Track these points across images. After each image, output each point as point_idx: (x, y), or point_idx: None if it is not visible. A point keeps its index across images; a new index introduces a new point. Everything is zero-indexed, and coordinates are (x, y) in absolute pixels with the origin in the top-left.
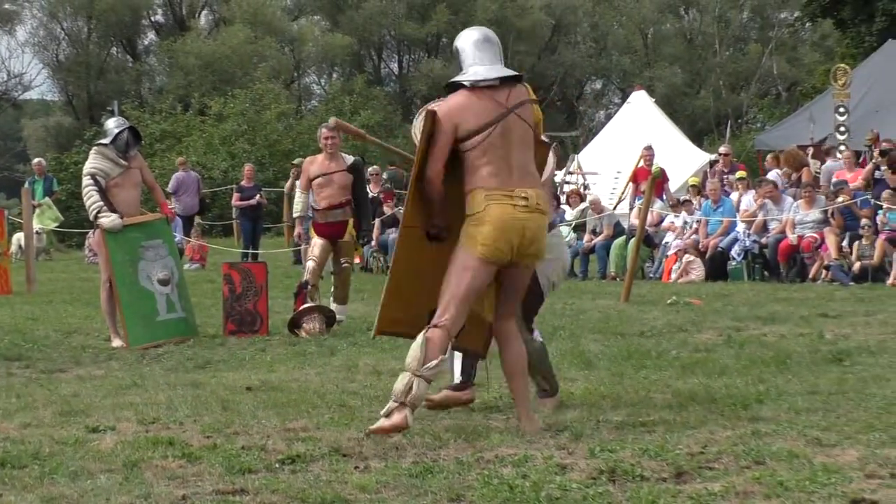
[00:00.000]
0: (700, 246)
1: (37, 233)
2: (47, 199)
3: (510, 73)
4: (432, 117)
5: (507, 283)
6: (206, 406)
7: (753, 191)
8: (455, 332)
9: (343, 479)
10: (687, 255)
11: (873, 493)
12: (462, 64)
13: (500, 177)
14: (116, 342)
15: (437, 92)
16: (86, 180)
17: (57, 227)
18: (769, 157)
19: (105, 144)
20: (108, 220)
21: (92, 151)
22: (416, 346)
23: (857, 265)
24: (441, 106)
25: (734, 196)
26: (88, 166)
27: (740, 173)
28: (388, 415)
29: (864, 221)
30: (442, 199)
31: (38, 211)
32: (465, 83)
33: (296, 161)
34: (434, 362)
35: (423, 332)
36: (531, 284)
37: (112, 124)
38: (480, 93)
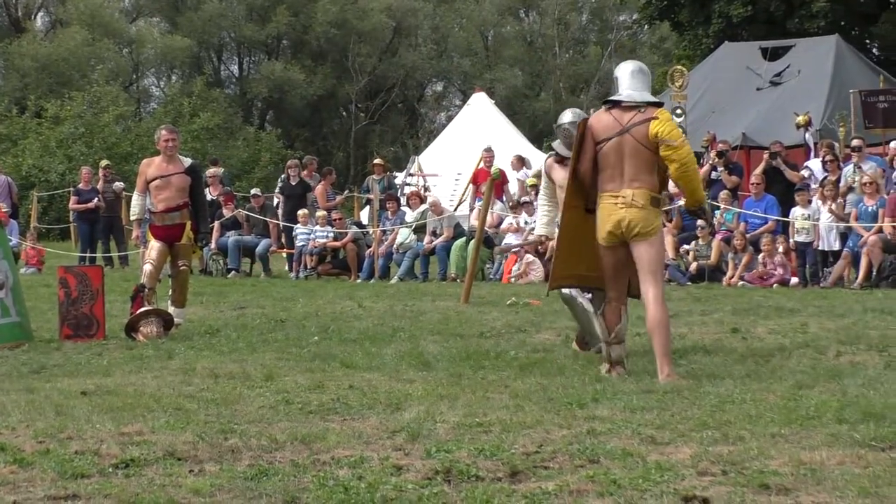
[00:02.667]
0: (540, 248)
1: None
2: None
3: (649, 98)
4: (583, 124)
5: (635, 258)
6: (40, 411)
7: None
8: (618, 300)
9: (177, 482)
10: (528, 256)
11: (705, 490)
12: (618, 88)
13: (613, 181)
14: None
15: (278, 94)
16: None
17: None
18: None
19: None
20: None
21: None
22: (598, 323)
23: (693, 265)
24: (591, 118)
25: None
26: None
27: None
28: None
29: (700, 222)
30: (592, 187)
31: None
32: (605, 103)
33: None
34: (617, 328)
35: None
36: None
37: None
38: (611, 112)
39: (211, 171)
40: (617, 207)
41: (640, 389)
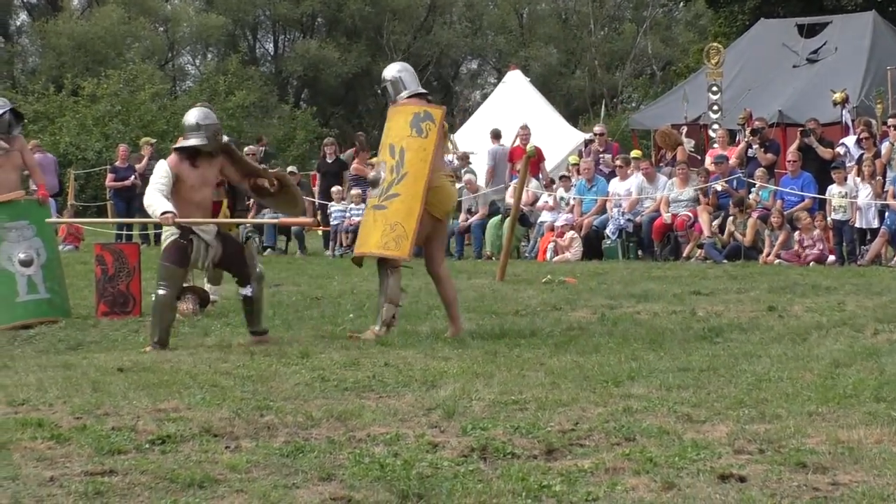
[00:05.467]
0: (574, 224)
1: None
2: None
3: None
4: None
5: (439, 233)
6: (77, 387)
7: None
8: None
9: (213, 459)
10: (571, 232)
11: (741, 469)
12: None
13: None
14: None
15: (312, 72)
16: None
17: None
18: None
19: None
20: None
21: None
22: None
23: (729, 243)
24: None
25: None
26: None
27: (636, 153)
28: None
29: (735, 199)
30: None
31: None
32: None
33: (143, 141)
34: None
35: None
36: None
37: None
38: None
39: (248, 148)
40: (453, 188)
41: (676, 367)
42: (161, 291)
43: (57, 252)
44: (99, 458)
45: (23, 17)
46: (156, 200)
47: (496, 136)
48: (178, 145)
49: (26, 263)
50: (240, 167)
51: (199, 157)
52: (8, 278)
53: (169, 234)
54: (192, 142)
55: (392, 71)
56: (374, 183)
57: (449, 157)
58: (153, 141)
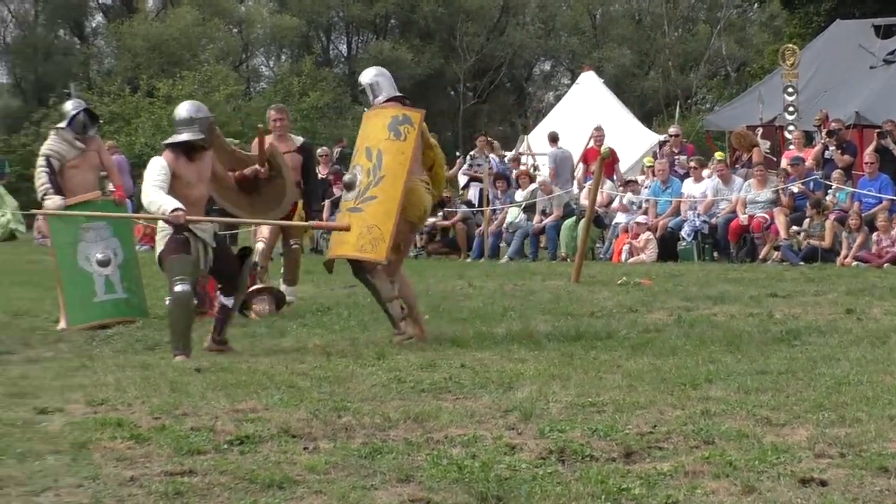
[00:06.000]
0: (649, 225)
1: None
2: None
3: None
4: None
5: (408, 239)
6: (155, 387)
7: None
8: None
9: (292, 459)
10: (647, 233)
11: (822, 473)
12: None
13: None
14: (62, 324)
15: None
16: (39, 161)
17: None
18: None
19: (62, 127)
20: (51, 202)
21: (50, 133)
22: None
23: (806, 245)
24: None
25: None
26: (44, 148)
27: (720, 154)
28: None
29: (812, 201)
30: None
31: None
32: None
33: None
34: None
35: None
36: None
37: (69, 106)
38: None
39: (322, 149)
40: (428, 194)
41: (754, 370)
42: (179, 287)
43: (134, 252)
44: (178, 458)
45: (98, 18)
46: (161, 198)
47: (554, 139)
48: (171, 140)
49: (104, 263)
50: (224, 156)
51: (194, 152)
52: (86, 278)
53: (163, 235)
54: (187, 136)
55: (369, 76)
56: (350, 186)
57: (494, 157)
58: (236, 142)
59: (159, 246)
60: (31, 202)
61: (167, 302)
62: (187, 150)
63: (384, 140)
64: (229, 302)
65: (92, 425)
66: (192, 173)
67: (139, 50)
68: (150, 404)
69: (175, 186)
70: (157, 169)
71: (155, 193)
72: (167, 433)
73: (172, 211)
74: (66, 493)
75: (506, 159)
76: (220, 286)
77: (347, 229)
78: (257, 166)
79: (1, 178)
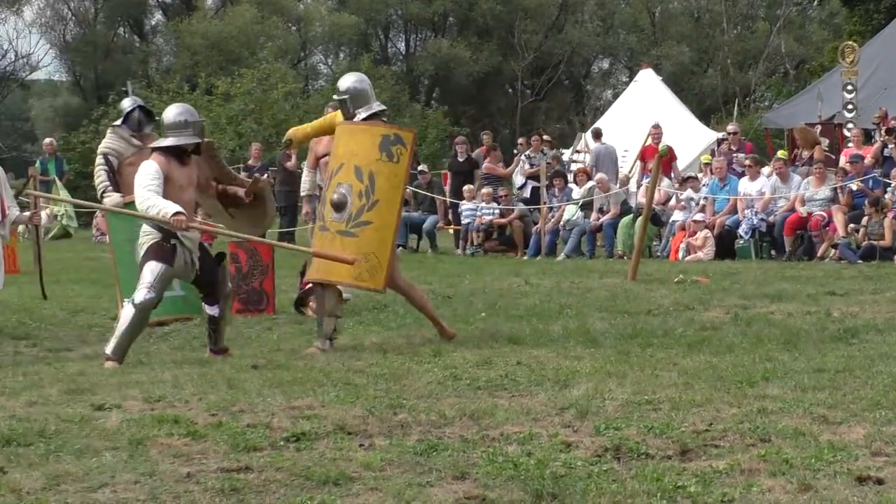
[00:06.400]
0: (707, 223)
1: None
2: (58, 181)
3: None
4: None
5: None
6: (212, 384)
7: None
8: None
9: (348, 456)
10: (704, 231)
11: (879, 471)
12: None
13: None
14: None
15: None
16: (98, 159)
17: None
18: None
19: (118, 125)
20: (110, 199)
21: (108, 131)
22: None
23: (864, 243)
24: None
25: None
26: (102, 146)
27: (782, 153)
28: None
29: (871, 199)
30: None
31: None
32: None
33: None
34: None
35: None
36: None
37: (125, 104)
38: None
39: None
40: None
41: (811, 368)
42: (148, 295)
43: None
44: (234, 454)
45: (158, 16)
46: (160, 201)
47: (598, 135)
48: (164, 144)
49: None
50: (215, 169)
51: (185, 156)
52: None
53: (149, 238)
54: (184, 140)
55: (349, 81)
56: (340, 206)
57: (581, 156)
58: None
59: (141, 249)
60: (91, 200)
61: (127, 303)
62: (179, 154)
63: (376, 161)
64: (214, 311)
65: (149, 422)
66: (183, 177)
67: (198, 48)
68: (206, 401)
69: (167, 190)
70: (150, 173)
71: (153, 197)
72: (224, 430)
73: (174, 215)
74: (122, 489)
75: (563, 157)
76: (202, 294)
77: (352, 263)
78: (243, 195)
79: (60, 175)
